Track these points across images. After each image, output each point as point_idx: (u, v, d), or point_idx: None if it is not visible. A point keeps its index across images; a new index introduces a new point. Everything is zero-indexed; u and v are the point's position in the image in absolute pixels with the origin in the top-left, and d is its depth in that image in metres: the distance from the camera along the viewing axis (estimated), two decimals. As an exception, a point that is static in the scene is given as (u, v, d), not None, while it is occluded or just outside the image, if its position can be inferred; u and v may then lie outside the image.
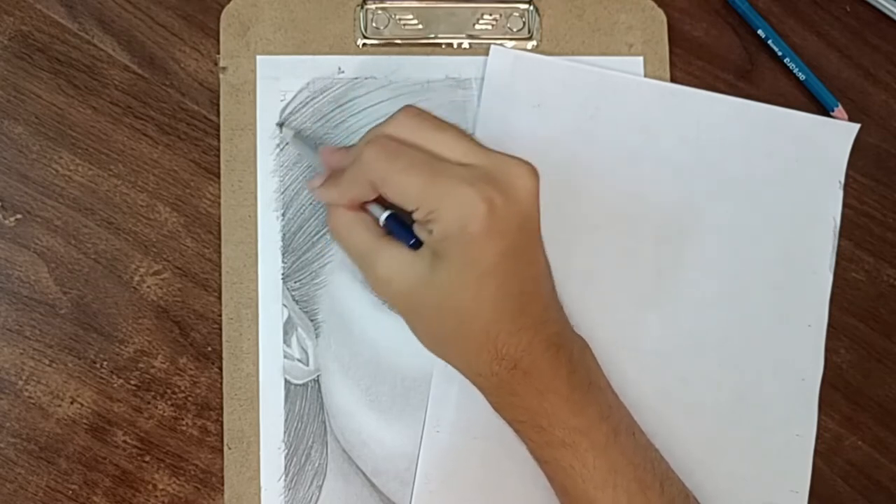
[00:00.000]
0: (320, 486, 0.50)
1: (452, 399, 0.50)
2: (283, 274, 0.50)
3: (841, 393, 0.52)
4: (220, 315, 0.50)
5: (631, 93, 0.52)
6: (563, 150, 0.51)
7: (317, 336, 0.50)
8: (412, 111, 0.43)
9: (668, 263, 0.51)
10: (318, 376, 0.50)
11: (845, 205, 0.53)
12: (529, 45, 0.52)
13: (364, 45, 0.52)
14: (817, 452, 0.51)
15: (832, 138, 0.53)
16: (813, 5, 0.54)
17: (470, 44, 0.52)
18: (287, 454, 0.50)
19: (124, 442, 0.49)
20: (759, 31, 0.53)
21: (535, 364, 0.43)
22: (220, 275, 0.50)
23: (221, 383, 0.50)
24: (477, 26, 0.52)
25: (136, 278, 0.50)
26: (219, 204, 0.50)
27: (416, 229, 0.43)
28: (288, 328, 0.50)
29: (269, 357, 0.50)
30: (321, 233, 0.51)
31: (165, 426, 0.50)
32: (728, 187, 0.52)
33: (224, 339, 0.50)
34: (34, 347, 0.49)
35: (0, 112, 0.50)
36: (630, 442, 0.45)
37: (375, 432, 0.50)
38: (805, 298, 0.52)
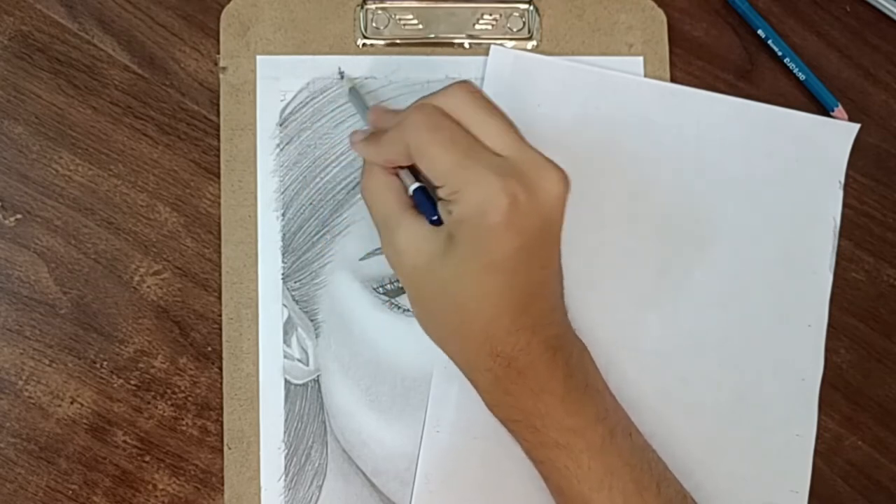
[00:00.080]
0: (320, 486, 0.50)
1: (452, 399, 0.50)
2: (283, 274, 0.50)
3: (841, 393, 0.52)
4: (220, 315, 0.50)
5: (631, 93, 0.52)
6: (563, 150, 0.51)
7: (317, 336, 0.50)
8: (466, 88, 0.43)
9: (668, 263, 0.51)
10: (318, 376, 0.50)
11: (845, 205, 0.53)
12: (529, 45, 0.52)
13: (364, 45, 0.52)
14: (817, 452, 0.51)
15: (832, 138, 0.53)
16: (813, 5, 0.54)
17: (470, 44, 0.52)
18: (287, 454, 0.50)
19: (124, 442, 0.49)
20: (759, 31, 0.53)
21: (532, 365, 0.43)
22: (220, 275, 0.50)
23: (221, 383, 0.50)
24: (477, 26, 0.52)
25: (136, 278, 0.50)
26: (219, 204, 0.50)
27: (439, 207, 0.43)
28: (288, 328, 0.50)
29: (269, 357, 0.50)
30: (321, 233, 0.51)
31: (165, 426, 0.50)
32: (728, 187, 0.52)
33: (224, 339, 0.50)
34: (34, 347, 0.49)
35: (0, 112, 0.50)
36: (626, 443, 0.45)
37: (375, 432, 0.50)
38: (805, 298, 0.52)
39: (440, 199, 0.43)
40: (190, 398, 0.50)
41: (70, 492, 0.49)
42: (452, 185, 0.41)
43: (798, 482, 0.51)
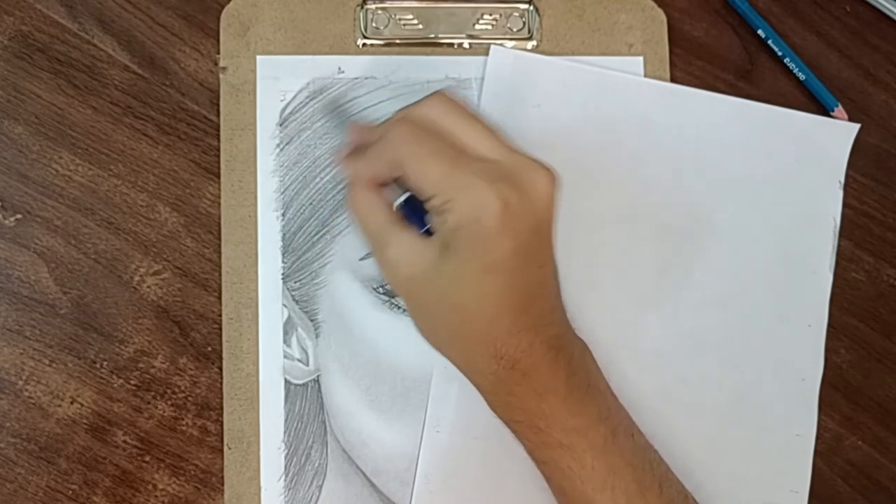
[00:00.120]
0: (320, 486, 0.50)
1: (452, 399, 0.50)
2: (283, 274, 0.50)
3: (841, 393, 0.52)
4: (220, 315, 0.50)
5: (631, 93, 0.52)
6: (563, 150, 0.51)
7: (317, 336, 0.50)
8: (444, 97, 0.43)
9: (669, 263, 0.51)
10: (318, 376, 0.50)
11: (845, 205, 0.53)
12: (529, 45, 0.52)
13: (364, 45, 0.52)
14: (817, 452, 0.51)
15: (832, 138, 0.53)
16: (813, 5, 0.54)
17: (470, 44, 0.52)
18: (287, 454, 0.50)
19: (124, 442, 0.49)
20: (759, 31, 0.53)
21: (535, 365, 0.43)
22: (220, 275, 0.50)
23: (221, 383, 0.50)
24: (477, 26, 0.52)
25: (136, 278, 0.50)
26: (219, 204, 0.50)
27: (430, 217, 0.43)
28: (288, 328, 0.50)
29: (269, 357, 0.50)
30: (321, 233, 0.51)
31: (165, 426, 0.50)
32: (728, 187, 0.52)
33: (224, 339, 0.50)
34: (34, 347, 0.49)
35: (0, 112, 0.50)
36: (629, 443, 0.45)
37: (375, 432, 0.50)
38: (805, 298, 0.52)
39: (431, 208, 0.43)
40: (190, 398, 0.50)
41: (70, 492, 0.49)
42: (444, 195, 0.41)
43: (798, 482, 0.51)
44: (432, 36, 0.52)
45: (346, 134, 0.48)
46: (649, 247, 0.51)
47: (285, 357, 0.50)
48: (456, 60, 0.52)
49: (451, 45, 0.52)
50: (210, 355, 0.50)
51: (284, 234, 0.50)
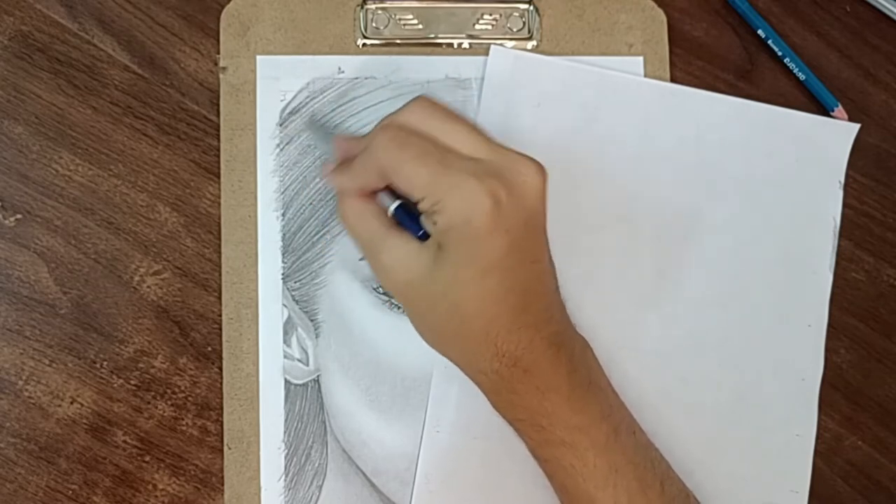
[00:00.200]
0: (320, 486, 0.50)
1: (452, 399, 0.50)
2: (283, 274, 0.50)
3: (841, 393, 0.52)
4: (220, 315, 0.50)
5: (631, 93, 0.52)
6: (563, 150, 0.51)
7: (317, 336, 0.50)
8: (425, 102, 0.43)
9: (668, 263, 0.51)
10: (318, 376, 0.50)
11: (845, 205, 0.53)
12: (529, 45, 0.52)
13: (364, 45, 0.52)
14: (817, 452, 0.51)
15: (832, 138, 0.53)
16: (813, 5, 0.54)
17: (470, 44, 0.52)
18: (287, 454, 0.50)
19: (124, 442, 0.49)
20: (759, 31, 0.53)
21: (536, 363, 0.43)
22: (220, 275, 0.50)
23: (221, 383, 0.50)
24: (477, 26, 0.52)
25: (136, 278, 0.50)
26: (219, 204, 0.50)
27: (423, 220, 0.43)
28: (288, 328, 0.50)
29: (269, 357, 0.50)
30: (321, 233, 0.51)
31: (165, 426, 0.50)
32: (728, 187, 0.52)
33: (224, 339, 0.50)
34: (34, 347, 0.49)
35: (0, 112, 0.50)
36: (630, 441, 0.45)
37: (375, 432, 0.50)
38: (805, 298, 0.52)
39: (423, 211, 0.43)
40: (190, 398, 0.50)
41: (70, 492, 0.49)
42: (433, 197, 0.41)
43: (798, 482, 0.51)
44: (432, 36, 0.52)
45: (331, 148, 0.48)
46: (649, 247, 0.51)
47: (285, 357, 0.50)
48: (456, 60, 0.52)
49: (451, 45, 0.52)
50: (210, 355, 0.50)
51: (284, 234, 0.50)
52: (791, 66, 0.53)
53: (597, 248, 0.51)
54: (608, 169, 0.51)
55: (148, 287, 0.50)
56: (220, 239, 0.50)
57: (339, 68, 0.51)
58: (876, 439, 0.52)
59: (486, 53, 0.52)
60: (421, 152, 0.42)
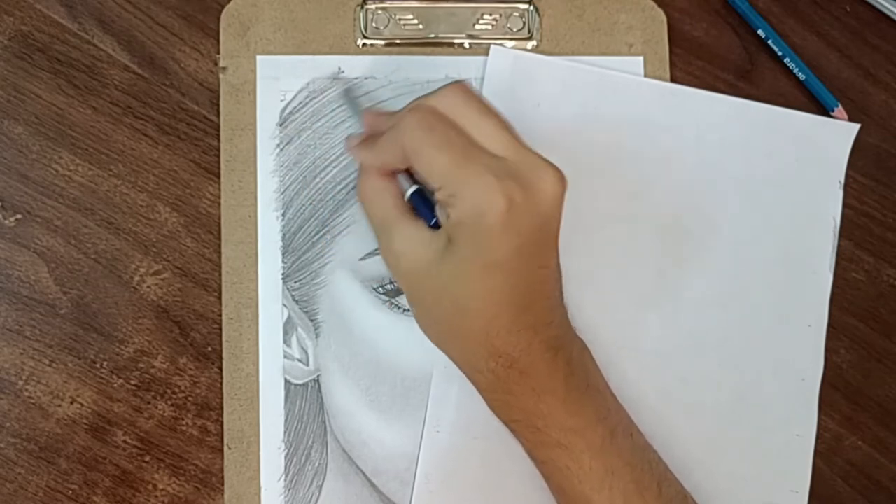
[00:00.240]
0: (320, 486, 0.50)
1: (452, 399, 0.50)
2: (283, 274, 0.50)
3: (841, 393, 0.52)
4: (220, 315, 0.50)
5: (631, 93, 0.52)
6: (563, 150, 0.51)
7: (317, 336, 0.50)
8: (460, 89, 0.43)
9: (668, 263, 0.51)
10: (318, 376, 0.50)
11: (845, 205, 0.53)
12: (529, 45, 0.52)
13: (364, 45, 0.52)
14: (817, 452, 0.51)
15: (832, 138, 0.53)
16: (813, 5, 0.54)
17: (470, 44, 0.52)
18: (287, 454, 0.50)
19: (124, 442, 0.49)
20: (759, 31, 0.53)
21: (533, 365, 0.43)
22: (220, 275, 0.50)
23: (221, 383, 0.50)
24: (477, 26, 0.52)
25: (136, 278, 0.50)
26: (219, 204, 0.50)
27: (437, 210, 0.43)
28: (288, 328, 0.50)
29: (269, 357, 0.50)
30: (321, 233, 0.51)
31: (165, 426, 0.50)
32: (728, 187, 0.52)
33: (224, 339, 0.50)
34: (34, 347, 0.49)
35: (0, 112, 0.50)
36: (627, 443, 0.45)
37: (375, 432, 0.50)
38: (805, 298, 0.52)
39: (437, 201, 0.43)
40: (190, 398, 0.50)
41: (70, 492, 0.49)
42: (449, 187, 0.41)
43: (798, 482, 0.51)
44: (432, 36, 0.52)
45: (361, 120, 0.48)
46: (649, 247, 0.51)
47: (285, 357, 0.50)
48: (456, 60, 0.52)
49: (451, 45, 0.52)
50: (210, 355, 0.50)
51: (284, 234, 0.50)
52: (791, 66, 0.53)
53: (597, 248, 0.51)
54: (608, 169, 0.51)
55: (148, 287, 0.50)
56: (220, 239, 0.50)
57: (339, 68, 0.51)
58: (876, 439, 0.52)
59: (486, 53, 0.52)
60: (445, 140, 0.41)
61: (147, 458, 0.49)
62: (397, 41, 0.52)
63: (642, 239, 0.51)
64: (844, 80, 0.54)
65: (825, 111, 0.53)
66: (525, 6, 0.52)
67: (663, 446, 0.47)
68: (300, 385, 0.50)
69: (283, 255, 0.50)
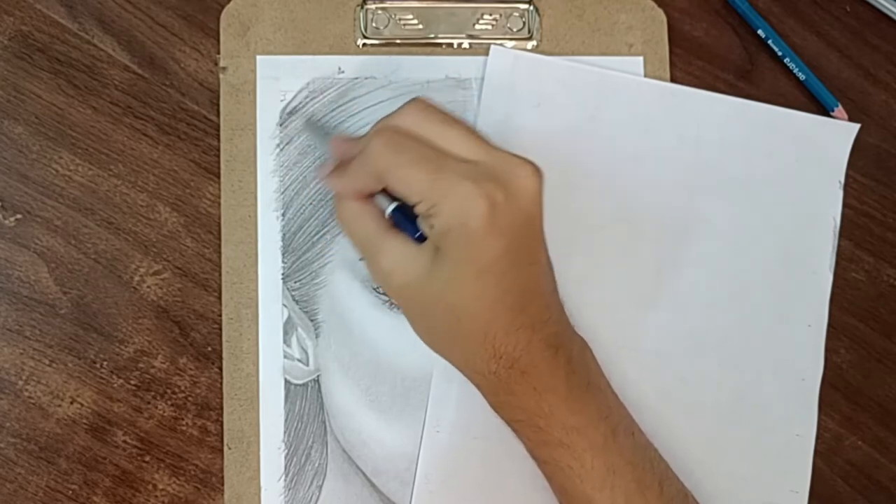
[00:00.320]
0: (320, 486, 0.50)
1: (452, 399, 0.50)
2: (283, 274, 0.50)
3: (841, 393, 0.52)
4: (220, 315, 0.50)
5: (631, 93, 0.52)
6: (563, 150, 0.51)
7: (317, 336, 0.50)
8: (420, 104, 0.43)
9: (668, 263, 0.51)
10: (318, 376, 0.50)
11: (845, 205, 0.53)
12: (529, 45, 0.52)
13: (364, 45, 0.52)
14: (817, 452, 0.51)
15: (832, 138, 0.53)
16: (813, 5, 0.54)
17: (470, 44, 0.52)
18: (287, 454, 0.50)
19: (124, 442, 0.49)
20: (759, 31, 0.53)
21: (534, 363, 0.43)
22: (220, 275, 0.50)
23: (221, 383, 0.50)
24: (477, 26, 0.52)
25: (136, 278, 0.50)
26: (219, 204, 0.50)
27: (420, 223, 0.43)
28: (288, 328, 0.50)
29: (269, 357, 0.50)
30: (321, 233, 0.51)
31: (165, 426, 0.50)
32: (728, 187, 0.52)
33: (224, 339, 0.50)
34: (34, 347, 0.49)
35: (0, 112, 0.50)
36: (629, 442, 0.45)
37: (375, 432, 0.50)
38: (805, 298, 0.52)
39: (419, 214, 0.43)
40: (190, 398, 0.50)
41: (70, 492, 0.49)
42: (430, 200, 0.41)
43: (798, 482, 0.51)
44: (432, 36, 0.52)
45: (329, 149, 0.48)
46: (649, 247, 0.51)
47: (285, 357, 0.50)
48: (456, 60, 0.52)
49: (451, 45, 0.52)
50: (210, 355, 0.50)
51: (284, 234, 0.50)
52: (791, 66, 0.53)
53: (597, 248, 0.51)
54: (608, 169, 0.51)
55: (148, 287, 0.50)
56: (220, 239, 0.50)
57: (339, 68, 0.51)
58: (876, 439, 0.52)
59: (486, 53, 0.52)
60: (416, 156, 0.42)
61: (147, 458, 0.49)
62: (397, 41, 0.52)
63: (642, 239, 0.51)
64: (844, 80, 0.54)
65: (825, 111, 0.53)
66: (525, 6, 0.52)
67: (663, 446, 0.47)
68: (300, 385, 0.50)
69: (283, 255, 0.50)
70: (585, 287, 0.50)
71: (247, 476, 0.49)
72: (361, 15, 0.52)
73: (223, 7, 0.51)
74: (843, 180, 0.53)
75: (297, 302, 0.50)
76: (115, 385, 0.50)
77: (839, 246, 0.52)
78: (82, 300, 0.50)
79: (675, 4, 0.53)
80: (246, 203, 0.50)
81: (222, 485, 0.49)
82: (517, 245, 0.42)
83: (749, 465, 0.51)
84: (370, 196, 0.45)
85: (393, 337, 0.50)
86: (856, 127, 0.53)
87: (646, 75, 0.52)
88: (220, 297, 0.50)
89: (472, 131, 0.43)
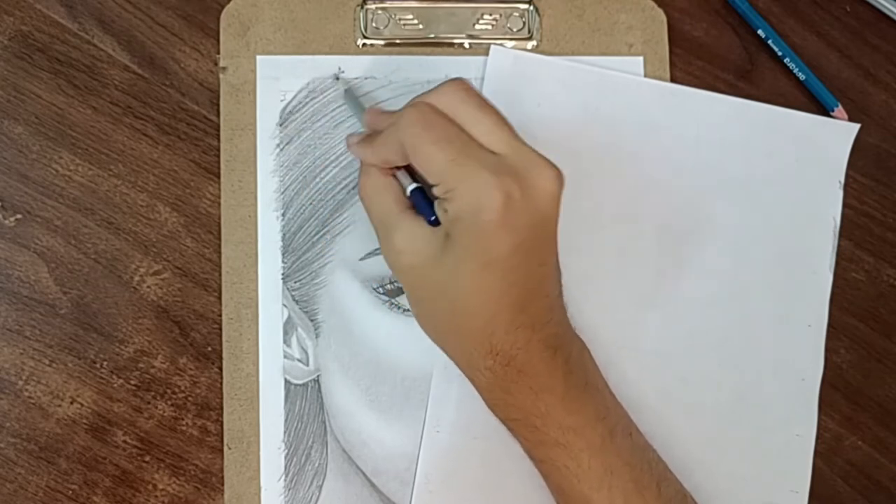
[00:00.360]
0: (320, 486, 0.50)
1: (452, 399, 0.50)
2: (283, 274, 0.50)
3: (841, 393, 0.52)
4: (220, 315, 0.50)
5: (631, 93, 0.52)
6: (563, 150, 0.51)
7: (317, 336, 0.50)
8: (460, 86, 0.43)
9: (668, 263, 0.51)
10: (318, 376, 0.50)
11: (845, 205, 0.53)
12: (529, 45, 0.52)
13: (364, 45, 0.52)
14: (817, 452, 0.51)
15: (832, 138, 0.53)
16: (813, 5, 0.54)
17: (470, 44, 0.52)
18: (287, 454, 0.50)
19: (124, 442, 0.49)
20: (759, 31, 0.53)
21: (531, 363, 0.43)
22: (220, 275, 0.50)
23: (221, 383, 0.50)
24: (477, 26, 0.52)
25: (136, 278, 0.50)
26: (219, 204, 0.50)
27: (435, 206, 0.43)
28: (288, 328, 0.50)
29: (269, 357, 0.50)
30: (321, 233, 0.51)
31: (165, 426, 0.50)
32: (728, 187, 0.52)
33: (224, 339, 0.50)
34: (34, 347, 0.49)
35: (0, 112, 0.50)
36: (627, 442, 0.45)
37: (375, 432, 0.50)
38: (805, 298, 0.52)
39: (436, 197, 0.43)
40: (190, 398, 0.50)
41: (70, 492, 0.49)
42: (447, 184, 0.41)
43: (798, 482, 0.51)
44: (432, 36, 0.52)
45: (362, 118, 0.48)
46: (649, 246, 0.51)
47: (285, 357, 0.50)
48: (456, 60, 0.52)
49: (451, 45, 0.52)
50: (210, 355, 0.50)
51: (284, 234, 0.50)
52: (791, 66, 0.53)
53: (597, 248, 0.51)
54: (608, 169, 0.51)
55: (148, 287, 0.50)
56: (220, 239, 0.50)
57: (339, 68, 0.51)
58: (876, 439, 0.52)
59: (486, 53, 0.52)
60: (443, 137, 0.42)
61: (147, 458, 0.49)
62: (397, 41, 0.52)
63: (642, 239, 0.51)
64: (844, 80, 0.54)
65: (825, 111, 0.53)
66: (525, 6, 0.52)
67: (663, 446, 0.47)
68: (300, 385, 0.50)
69: (283, 255, 0.50)
70: (585, 287, 0.50)
71: (247, 476, 0.49)
72: (361, 15, 0.52)
73: (223, 7, 0.51)
74: (843, 180, 0.53)
75: (297, 302, 0.50)
76: (115, 385, 0.50)
77: (839, 246, 0.52)
78: (82, 300, 0.50)
79: (675, 4, 0.53)
80: (246, 203, 0.50)
81: (222, 485, 0.49)
82: (527, 244, 0.42)
83: (749, 465, 0.51)
84: (393, 173, 0.45)
85: (393, 337, 0.50)
86: (856, 127, 0.53)
87: (646, 75, 0.52)
88: (220, 297, 0.50)
89: (504, 122, 0.43)
